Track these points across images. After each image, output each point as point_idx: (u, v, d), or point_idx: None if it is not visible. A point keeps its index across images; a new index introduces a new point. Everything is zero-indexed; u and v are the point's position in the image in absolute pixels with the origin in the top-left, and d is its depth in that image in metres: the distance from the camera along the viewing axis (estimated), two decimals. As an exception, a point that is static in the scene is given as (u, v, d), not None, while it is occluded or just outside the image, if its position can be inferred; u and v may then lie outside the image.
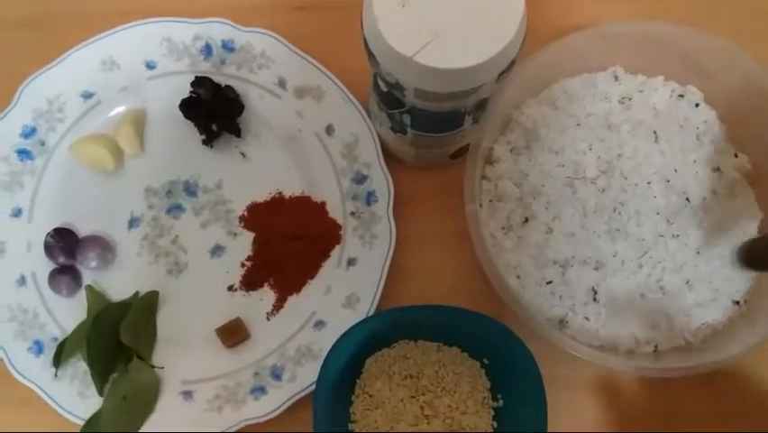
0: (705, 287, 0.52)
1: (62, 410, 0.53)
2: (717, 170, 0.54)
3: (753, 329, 0.49)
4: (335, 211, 0.57)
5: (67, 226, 0.57)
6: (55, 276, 0.56)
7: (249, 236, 0.57)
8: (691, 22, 0.54)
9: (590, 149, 0.54)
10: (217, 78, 0.58)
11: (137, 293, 0.56)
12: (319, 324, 0.55)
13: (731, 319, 0.52)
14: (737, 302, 0.52)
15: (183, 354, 0.55)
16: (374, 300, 0.54)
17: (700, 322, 0.52)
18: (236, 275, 0.57)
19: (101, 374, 0.53)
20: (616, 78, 0.57)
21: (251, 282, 0.56)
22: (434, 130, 0.50)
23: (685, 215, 0.52)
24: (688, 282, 0.52)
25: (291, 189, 0.58)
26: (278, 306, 0.56)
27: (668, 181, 0.52)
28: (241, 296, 0.56)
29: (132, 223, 0.58)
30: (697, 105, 0.56)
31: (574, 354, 0.48)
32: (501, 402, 0.52)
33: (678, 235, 0.52)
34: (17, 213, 0.57)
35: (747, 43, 0.53)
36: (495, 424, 0.51)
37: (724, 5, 0.62)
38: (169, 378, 0.54)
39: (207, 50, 0.59)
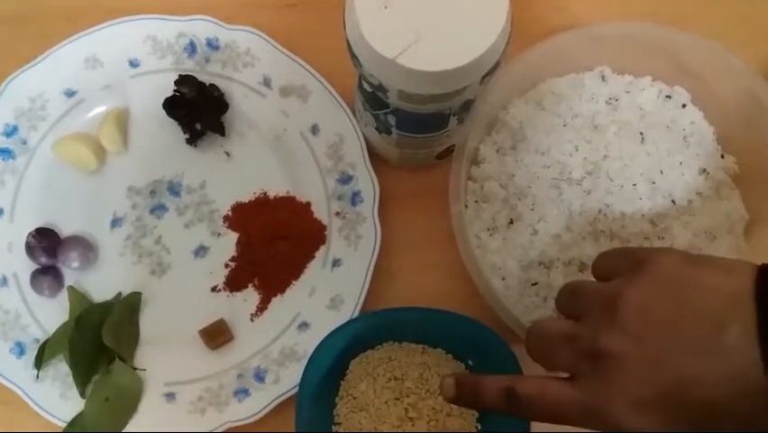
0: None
1: (44, 412, 0.53)
2: (704, 171, 0.54)
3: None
4: (320, 211, 0.57)
5: (49, 226, 0.56)
6: (37, 277, 0.55)
7: (233, 237, 0.57)
8: (680, 22, 0.54)
9: (577, 150, 0.53)
10: (201, 77, 0.58)
11: (120, 294, 0.55)
12: (303, 325, 0.55)
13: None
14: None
15: (166, 356, 0.54)
16: (359, 302, 0.54)
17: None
18: (220, 276, 0.56)
19: (83, 376, 0.53)
20: (603, 78, 0.57)
21: (234, 283, 0.56)
22: (419, 131, 0.50)
23: (671, 217, 0.52)
24: (673, 285, 0.52)
25: (276, 189, 0.57)
26: (261, 307, 0.56)
27: (654, 183, 0.52)
28: (224, 297, 0.56)
29: (115, 223, 0.57)
30: (684, 105, 0.56)
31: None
32: (486, 405, 0.52)
33: (663, 238, 0.52)
34: (-2, 213, 0.57)
35: (735, 45, 0.52)
36: (479, 426, 0.51)
37: (712, 6, 0.62)
38: (151, 380, 0.54)
39: (191, 49, 0.59)
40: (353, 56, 0.42)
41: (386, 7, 0.40)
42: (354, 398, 0.51)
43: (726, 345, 0.32)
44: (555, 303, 0.42)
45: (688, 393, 0.33)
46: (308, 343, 0.53)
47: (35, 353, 0.53)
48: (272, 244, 0.56)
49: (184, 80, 0.57)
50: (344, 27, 0.42)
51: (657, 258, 0.36)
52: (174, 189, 0.58)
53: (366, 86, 0.45)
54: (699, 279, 0.35)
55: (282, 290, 0.56)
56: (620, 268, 0.38)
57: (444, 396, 0.40)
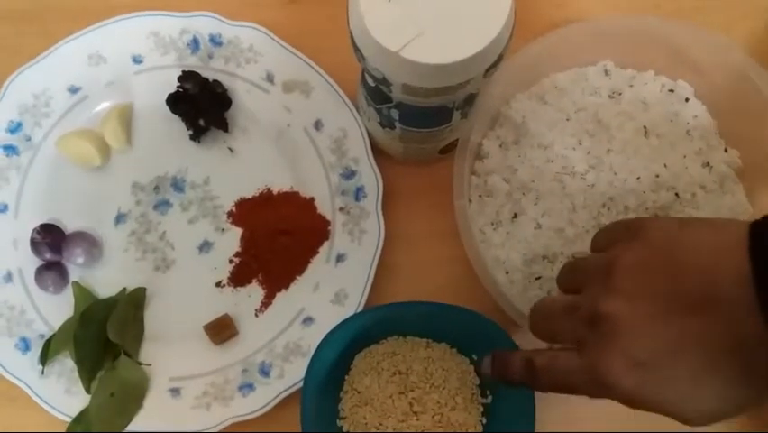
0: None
1: (49, 408, 0.53)
2: (707, 165, 0.54)
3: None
4: (324, 207, 0.57)
5: (53, 222, 0.56)
6: (41, 272, 0.55)
7: (237, 232, 0.57)
8: (682, 16, 0.54)
9: (580, 144, 0.53)
10: (205, 73, 0.58)
11: (124, 289, 0.56)
12: (308, 320, 0.55)
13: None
14: None
15: (171, 351, 0.55)
16: (363, 296, 0.54)
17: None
18: (224, 271, 0.56)
19: (88, 371, 0.53)
20: (606, 72, 0.57)
21: (239, 278, 0.56)
22: (423, 125, 0.50)
23: (674, 210, 0.52)
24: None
25: (279, 185, 0.58)
26: (266, 302, 0.56)
27: (657, 177, 0.52)
28: (229, 292, 0.56)
29: (119, 219, 0.57)
30: (687, 99, 0.56)
31: (563, 350, 0.48)
32: (490, 399, 0.52)
33: (667, 231, 0.52)
34: (3, 209, 0.57)
35: (738, 38, 0.52)
36: (484, 420, 0.51)
37: (714, 0, 0.62)
38: (156, 375, 0.54)
39: (195, 45, 0.59)
40: (357, 49, 0.43)
41: (389, 1, 0.40)
42: (359, 392, 0.51)
43: (721, 296, 0.32)
44: (557, 282, 0.43)
45: (684, 350, 0.33)
46: (313, 337, 0.53)
47: (40, 348, 0.53)
48: (276, 239, 0.56)
49: (187, 76, 0.57)
50: (348, 21, 0.42)
51: (650, 223, 0.37)
52: (178, 185, 0.58)
53: (369, 80, 0.45)
54: (691, 238, 0.35)
55: (286, 286, 0.56)
56: (616, 239, 0.39)
57: (483, 372, 0.44)
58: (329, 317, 0.53)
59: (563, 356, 0.38)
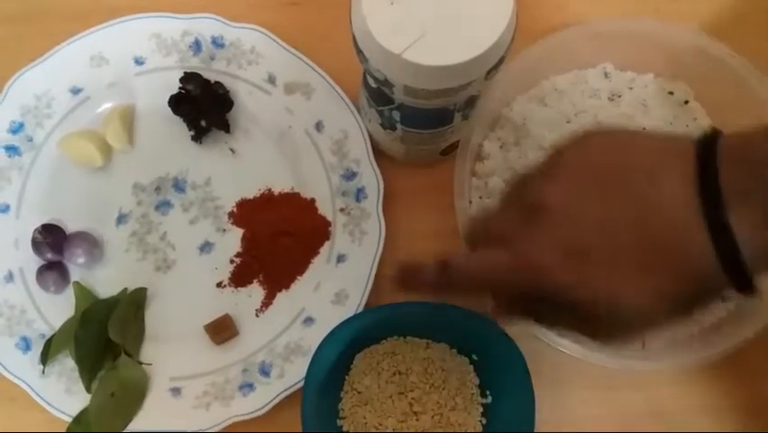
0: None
1: (50, 407, 0.53)
2: (706, 167, 0.54)
3: (740, 326, 0.50)
4: (325, 208, 0.57)
5: (54, 223, 0.56)
6: (43, 272, 0.55)
7: (238, 233, 0.57)
8: (681, 19, 0.54)
9: (579, 146, 0.54)
10: (206, 74, 0.58)
11: (125, 290, 0.56)
12: (308, 320, 0.55)
13: (718, 317, 0.53)
14: (724, 299, 0.52)
15: (171, 351, 0.55)
16: (363, 297, 0.54)
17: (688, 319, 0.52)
18: (225, 271, 0.56)
19: (89, 371, 0.53)
20: (606, 74, 0.57)
21: (239, 279, 0.56)
22: (424, 127, 0.50)
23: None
24: (676, 279, 0.52)
25: (280, 186, 0.58)
26: (266, 302, 0.56)
27: (656, 179, 0.52)
28: (229, 292, 0.56)
29: (121, 219, 0.57)
30: (686, 102, 0.56)
31: (563, 350, 0.48)
32: (490, 399, 0.52)
33: (666, 233, 0.52)
34: (5, 209, 0.57)
35: (736, 41, 0.53)
36: (483, 420, 0.52)
37: (713, 3, 0.62)
38: (157, 375, 0.54)
39: (197, 46, 0.59)
40: (359, 51, 0.43)
41: (392, 3, 0.40)
42: (359, 392, 0.52)
43: (663, 193, 0.32)
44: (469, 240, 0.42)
45: (620, 242, 0.33)
46: (313, 338, 0.53)
47: (41, 348, 0.53)
48: (277, 239, 0.56)
49: (189, 78, 0.57)
50: (350, 23, 0.43)
51: (598, 130, 0.36)
52: (179, 186, 0.58)
53: (371, 81, 0.46)
54: (640, 142, 0.35)
55: (287, 286, 0.56)
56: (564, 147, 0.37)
57: (391, 283, 0.41)
58: (329, 318, 0.53)
59: (486, 252, 0.37)
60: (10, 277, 0.56)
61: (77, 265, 0.56)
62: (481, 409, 0.52)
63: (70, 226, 0.57)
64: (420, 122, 0.49)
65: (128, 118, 0.58)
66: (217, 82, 0.58)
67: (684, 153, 0.32)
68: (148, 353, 0.55)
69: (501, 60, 0.42)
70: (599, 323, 0.35)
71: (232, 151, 0.59)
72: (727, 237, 0.31)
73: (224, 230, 0.57)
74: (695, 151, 0.32)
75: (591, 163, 0.35)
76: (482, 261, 0.37)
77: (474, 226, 0.40)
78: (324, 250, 0.56)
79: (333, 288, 0.55)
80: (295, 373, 0.53)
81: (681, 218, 0.32)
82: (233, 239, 0.57)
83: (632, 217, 0.33)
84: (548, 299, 0.35)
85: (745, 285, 0.32)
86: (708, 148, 0.32)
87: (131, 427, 0.53)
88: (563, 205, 0.34)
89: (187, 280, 0.56)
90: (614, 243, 0.33)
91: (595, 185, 0.34)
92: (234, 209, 0.58)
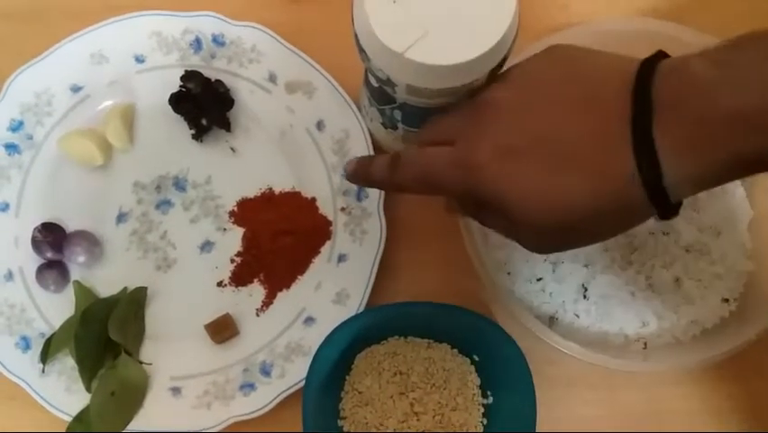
0: (694, 285, 0.52)
1: (50, 406, 0.53)
2: (708, 167, 0.54)
3: (742, 327, 0.50)
4: (326, 207, 0.57)
5: (54, 221, 0.56)
6: (42, 271, 0.55)
7: (238, 232, 0.57)
8: (684, 19, 0.54)
9: (582, 146, 0.53)
10: (207, 73, 0.58)
11: (125, 289, 0.55)
12: (309, 320, 0.55)
13: (720, 317, 0.52)
14: (727, 300, 0.52)
15: (172, 350, 0.55)
16: (364, 297, 0.54)
17: (690, 320, 0.52)
18: (225, 271, 0.56)
19: (89, 370, 0.53)
20: (607, 74, 0.57)
21: (240, 278, 0.56)
22: (426, 126, 0.50)
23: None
24: (677, 280, 0.52)
25: (281, 185, 0.58)
26: (267, 302, 0.56)
27: (659, 179, 0.52)
28: (230, 292, 0.56)
29: (121, 218, 0.57)
30: (688, 102, 0.56)
31: (564, 351, 0.48)
32: (491, 399, 0.52)
33: (668, 233, 0.52)
34: (4, 208, 0.57)
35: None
36: (484, 421, 0.52)
37: (712, 2, 0.62)
38: (157, 374, 0.54)
39: (197, 45, 0.59)
40: (361, 50, 0.43)
41: (395, 1, 0.40)
42: (360, 392, 0.52)
43: (600, 98, 0.34)
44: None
45: (544, 144, 0.35)
46: (314, 337, 0.53)
47: (41, 347, 0.53)
48: (278, 239, 0.56)
49: (190, 76, 0.57)
50: (352, 21, 0.42)
51: (558, 45, 0.39)
52: (180, 185, 0.58)
53: (373, 80, 0.46)
54: (591, 57, 0.37)
55: (288, 285, 0.56)
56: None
57: (346, 176, 0.45)
58: (330, 317, 0.53)
59: (435, 149, 0.39)
60: (10, 276, 0.55)
61: (77, 264, 0.56)
62: (482, 410, 0.52)
63: (70, 225, 0.57)
64: (422, 121, 0.49)
65: (128, 116, 0.58)
66: (218, 80, 0.58)
67: (627, 69, 0.34)
68: (148, 352, 0.55)
69: (504, 59, 0.42)
70: (518, 226, 0.36)
71: (232, 149, 0.58)
72: (648, 147, 0.32)
73: (225, 229, 0.57)
74: (637, 67, 0.34)
75: (541, 72, 0.38)
76: (428, 155, 0.39)
77: (428, 127, 0.43)
78: (324, 249, 0.56)
79: (334, 287, 0.55)
80: (295, 372, 0.53)
81: (609, 127, 0.33)
82: (233, 238, 0.57)
83: (563, 122, 0.35)
84: (483, 198, 0.36)
85: (662, 201, 0.33)
86: (649, 65, 0.34)
87: (131, 426, 0.53)
88: (507, 105, 0.37)
89: (188, 280, 0.56)
90: (540, 145, 0.35)
91: (538, 91, 0.37)
92: (235, 208, 0.57)
